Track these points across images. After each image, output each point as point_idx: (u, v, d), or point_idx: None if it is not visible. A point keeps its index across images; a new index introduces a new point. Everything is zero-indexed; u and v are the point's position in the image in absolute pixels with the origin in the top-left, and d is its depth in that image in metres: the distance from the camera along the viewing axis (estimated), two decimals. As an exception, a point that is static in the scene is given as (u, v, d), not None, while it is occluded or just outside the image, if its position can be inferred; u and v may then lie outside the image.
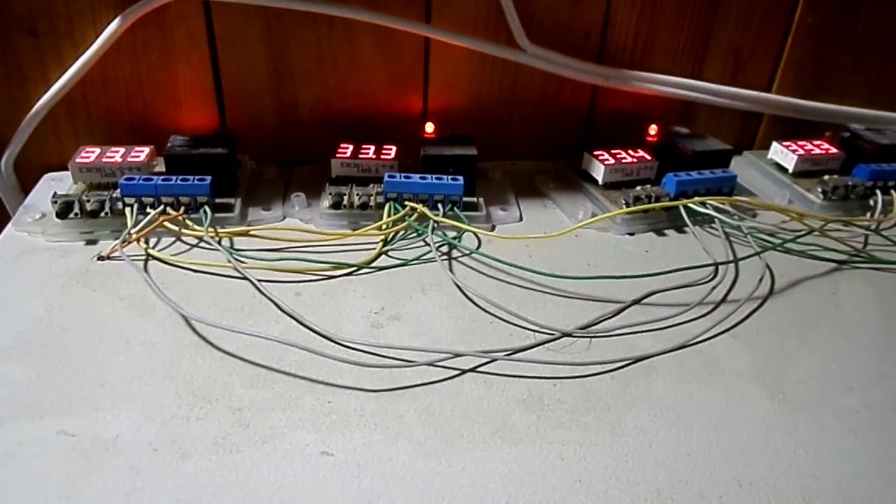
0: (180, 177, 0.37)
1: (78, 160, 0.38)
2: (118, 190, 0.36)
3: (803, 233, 0.39)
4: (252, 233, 0.37)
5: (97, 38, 0.39)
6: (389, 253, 0.37)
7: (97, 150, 0.39)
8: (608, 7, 0.45)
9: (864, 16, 0.49)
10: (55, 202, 0.35)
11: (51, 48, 0.39)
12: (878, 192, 0.44)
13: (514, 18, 0.42)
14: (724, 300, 0.34)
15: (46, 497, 0.22)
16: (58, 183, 0.41)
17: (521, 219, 0.41)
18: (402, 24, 0.41)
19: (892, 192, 0.44)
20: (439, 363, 0.28)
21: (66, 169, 0.41)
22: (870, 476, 0.25)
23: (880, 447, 0.26)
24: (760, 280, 0.35)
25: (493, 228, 0.40)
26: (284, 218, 0.39)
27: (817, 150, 0.46)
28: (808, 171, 0.46)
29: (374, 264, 0.35)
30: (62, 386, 0.26)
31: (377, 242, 0.37)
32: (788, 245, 0.38)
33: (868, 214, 0.43)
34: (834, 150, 0.46)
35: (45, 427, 0.24)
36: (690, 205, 0.39)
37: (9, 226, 0.37)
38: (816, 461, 0.25)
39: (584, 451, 0.25)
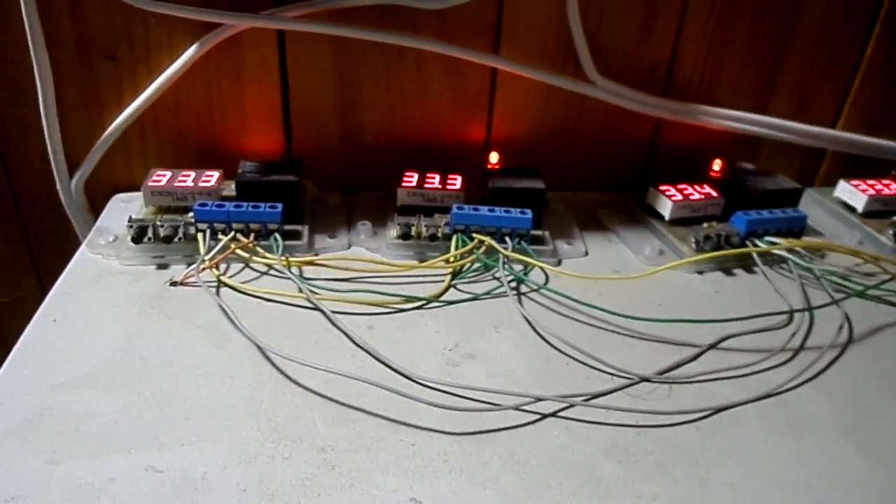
0: (252, 203, 0.37)
1: (150, 183, 0.38)
2: (190, 214, 0.37)
3: (887, 279, 0.38)
4: (319, 262, 0.37)
5: (172, 63, 0.39)
6: (457, 286, 0.36)
7: (168, 174, 0.39)
8: (676, 43, 0.44)
9: (935, 54, 0.48)
10: (130, 226, 0.36)
11: (127, 72, 0.40)
12: (951, 235, 0.43)
13: (585, 51, 0.42)
14: (802, 347, 0.33)
15: (140, 536, 0.22)
16: (127, 204, 0.41)
17: (586, 253, 0.40)
18: (472, 55, 0.41)
19: (965, 235, 0.43)
20: (522, 407, 0.28)
21: (134, 190, 0.42)
22: (975, 546, 0.24)
23: (982, 514, 0.25)
24: (840, 328, 0.34)
25: (559, 263, 0.39)
26: (350, 246, 0.39)
27: (887, 191, 0.45)
28: (877, 212, 0.45)
29: (443, 298, 0.35)
30: (148, 418, 0.26)
31: (445, 275, 0.36)
32: (871, 291, 0.37)
33: (942, 259, 0.42)
34: (904, 191, 0.45)
35: (134, 461, 0.24)
36: (763, 246, 0.39)
37: (83, 247, 0.37)
38: (916, 527, 0.24)
39: (675, 507, 0.24)
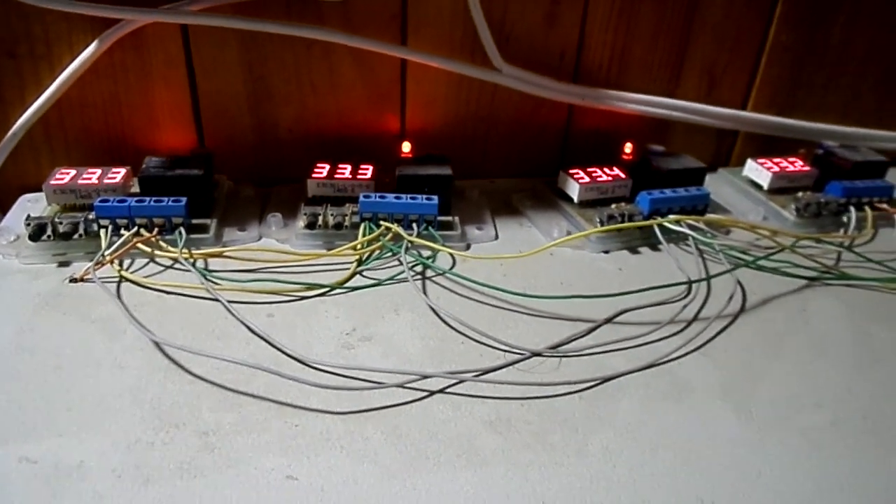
0: (154, 198, 0.37)
1: (52, 182, 0.38)
2: (93, 212, 0.36)
3: (775, 250, 0.39)
4: (227, 254, 0.37)
5: (73, 60, 0.39)
6: (364, 273, 0.37)
7: (73, 172, 0.39)
8: (583, 28, 0.45)
9: (837, 34, 0.49)
10: (28, 224, 0.35)
11: (29, 70, 0.40)
12: (851, 208, 0.44)
13: (489, 39, 0.42)
14: (695, 318, 0.34)
15: (6, 525, 0.22)
16: (34, 204, 0.41)
17: (496, 237, 0.41)
18: (378, 46, 0.42)
19: (866, 208, 0.45)
20: (408, 384, 0.28)
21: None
22: (835, 494, 0.25)
23: (847, 464, 0.26)
24: (731, 298, 0.35)
25: (468, 247, 0.40)
26: (261, 238, 0.40)
27: (791, 168, 0.47)
28: (782, 188, 0.46)
29: (347, 284, 0.36)
30: (27, 411, 0.26)
31: (351, 263, 0.37)
32: (761, 262, 0.39)
33: (841, 231, 0.43)
34: (807, 168, 0.47)
35: (7, 453, 0.24)
36: (664, 223, 0.40)
37: (-17, 248, 0.37)
38: (781, 479, 0.25)
39: (548, 472, 0.25)
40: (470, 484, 0.24)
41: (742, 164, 0.49)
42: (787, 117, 0.51)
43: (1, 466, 0.24)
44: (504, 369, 0.30)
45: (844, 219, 0.44)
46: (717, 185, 0.48)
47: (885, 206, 0.45)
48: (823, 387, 0.30)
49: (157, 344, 0.30)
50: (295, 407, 0.27)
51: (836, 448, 0.27)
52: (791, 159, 0.48)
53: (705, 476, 0.25)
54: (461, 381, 0.29)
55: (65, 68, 0.39)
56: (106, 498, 0.23)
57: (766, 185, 0.46)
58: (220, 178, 0.44)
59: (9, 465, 0.24)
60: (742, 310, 0.35)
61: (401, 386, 0.28)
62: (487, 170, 0.49)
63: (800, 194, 0.45)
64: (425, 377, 0.29)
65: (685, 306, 0.35)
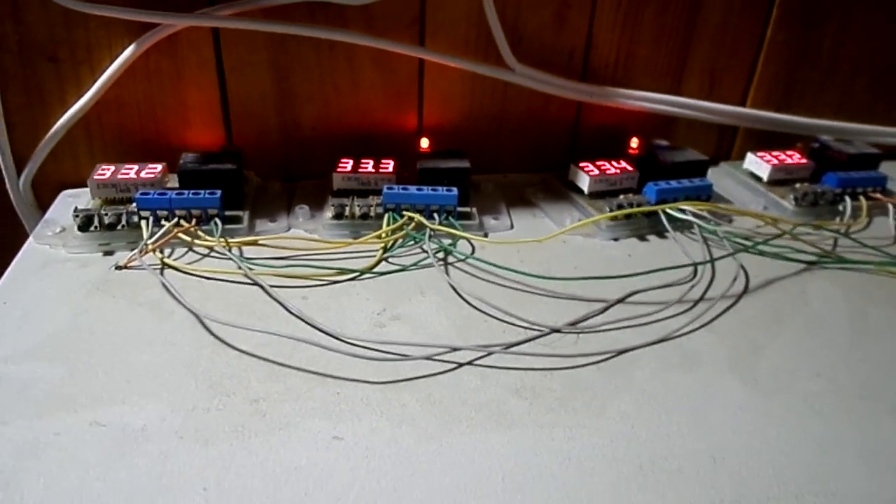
0: (192, 191, 0.39)
1: (96, 177, 0.40)
2: (134, 204, 0.39)
3: (775, 235, 0.42)
4: (260, 242, 0.39)
5: (112, 63, 0.42)
6: (389, 260, 0.39)
7: (112, 168, 0.41)
8: (591, 29, 0.48)
9: (831, 35, 0.52)
10: (76, 216, 0.38)
11: (70, 73, 0.42)
12: (846, 198, 0.47)
13: (503, 40, 0.45)
14: (701, 298, 0.37)
15: (84, 479, 0.24)
16: (74, 199, 0.43)
17: (511, 227, 0.44)
18: (398, 47, 0.44)
19: (861, 198, 0.47)
20: (437, 357, 0.31)
21: (82, 186, 0.44)
22: (832, 451, 0.27)
23: (843, 426, 0.28)
24: (734, 279, 0.38)
25: (485, 236, 0.42)
26: (290, 229, 0.42)
27: (789, 161, 0.49)
28: (781, 180, 0.49)
29: (375, 270, 0.38)
30: (92, 382, 0.28)
31: (377, 250, 0.39)
32: (762, 247, 0.41)
33: (837, 219, 0.46)
34: (804, 160, 0.49)
35: (79, 419, 0.26)
36: (669, 210, 0.42)
37: (30, 239, 0.39)
38: (785, 439, 0.28)
39: (572, 432, 0.27)
40: (501, 443, 0.27)
41: (742, 158, 0.52)
42: (785, 113, 0.54)
43: (75, 430, 0.26)
44: (526, 343, 0.32)
45: (840, 208, 0.46)
46: (719, 177, 0.51)
47: (878, 195, 0.48)
48: (822, 359, 0.33)
49: (202, 322, 0.32)
50: (335, 378, 0.30)
51: (834, 412, 0.29)
52: (789, 153, 0.50)
53: (716, 436, 0.28)
54: (489, 354, 0.31)
55: (104, 71, 0.42)
56: (171, 456, 0.25)
57: (765, 177, 0.49)
58: (249, 174, 0.46)
59: (82, 428, 0.26)
60: (745, 291, 0.38)
61: (430, 358, 0.31)
62: (501, 164, 0.51)
63: (798, 185, 0.48)
64: (454, 349, 0.31)
65: (692, 287, 0.37)
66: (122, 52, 0.41)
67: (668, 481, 0.25)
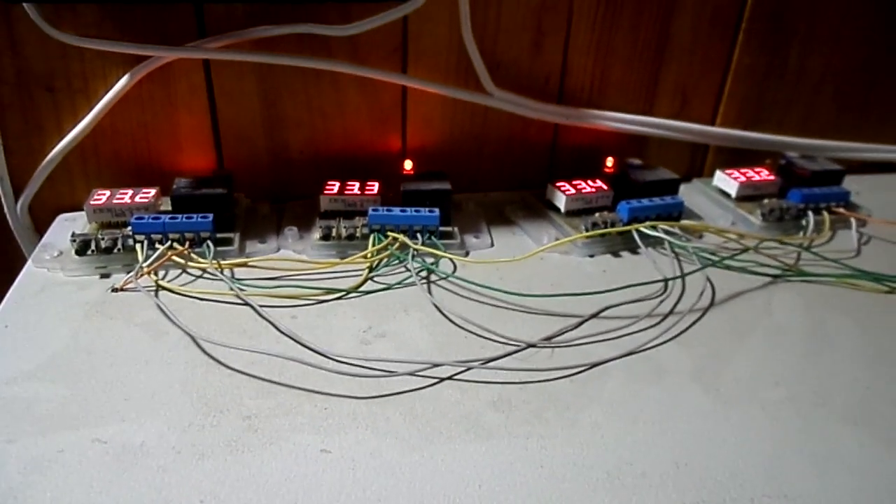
0: (185, 215, 0.41)
1: (92, 202, 0.42)
2: (129, 228, 0.40)
3: (740, 251, 0.44)
4: (251, 264, 0.41)
5: (107, 92, 0.43)
6: (375, 279, 0.41)
7: (108, 193, 0.43)
8: (566, 54, 0.50)
9: (794, 56, 0.54)
10: (73, 240, 0.39)
11: (66, 102, 0.44)
12: (810, 213, 0.49)
13: (481, 66, 0.47)
14: (671, 312, 0.39)
15: (88, 494, 0.26)
16: (71, 223, 0.45)
17: (492, 244, 0.46)
18: (381, 74, 0.46)
19: (824, 212, 0.50)
20: (419, 372, 0.33)
21: (78, 210, 0.45)
22: (786, 456, 0.29)
23: (799, 431, 0.31)
24: (701, 293, 0.40)
25: (467, 254, 0.44)
26: (279, 250, 0.44)
27: (757, 177, 0.52)
28: (749, 196, 0.51)
29: (361, 289, 0.40)
30: (92, 401, 0.30)
31: (363, 269, 0.41)
32: (728, 262, 0.43)
33: (801, 233, 0.48)
34: (772, 177, 0.52)
35: (81, 436, 0.28)
36: (641, 228, 0.44)
37: (28, 263, 0.41)
38: (743, 444, 0.30)
39: (545, 442, 0.29)
40: (478, 453, 0.28)
41: (714, 174, 0.54)
42: (754, 131, 0.56)
43: (78, 447, 0.28)
44: (504, 358, 0.34)
45: (804, 222, 0.49)
46: (691, 194, 0.53)
47: (841, 210, 0.50)
48: (781, 368, 0.35)
49: (196, 342, 0.34)
50: (323, 394, 0.31)
51: (790, 418, 0.31)
52: (757, 169, 0.53)
53: (680, 443, 0.30)
54: (469, 369, 0.33)
55: (100, 100, 0.43)
56: (169, 470, 0.27)
57: (734, 194, 0.51)
58: (239, 197, 0.48)
59: (84, 445, 0.28)
60: (712, 304, 0.40)
61: (413, 374, 0.32)
62: (482, 184, 0.53)
63: (765, 201, 0.50)
64: (435, 366, 0.33)
65: (661, 301, 0.39)
66: (116, 82, 0.43)
67: (633, 486, 0.27)
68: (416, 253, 0.42)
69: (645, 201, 0.46)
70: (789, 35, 0.54)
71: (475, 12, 0.46)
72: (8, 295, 0.38)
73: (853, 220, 0.49)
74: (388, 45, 0.47)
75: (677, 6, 0.50)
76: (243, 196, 0.48)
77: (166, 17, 0.43)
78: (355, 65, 0.46)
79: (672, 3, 0.50)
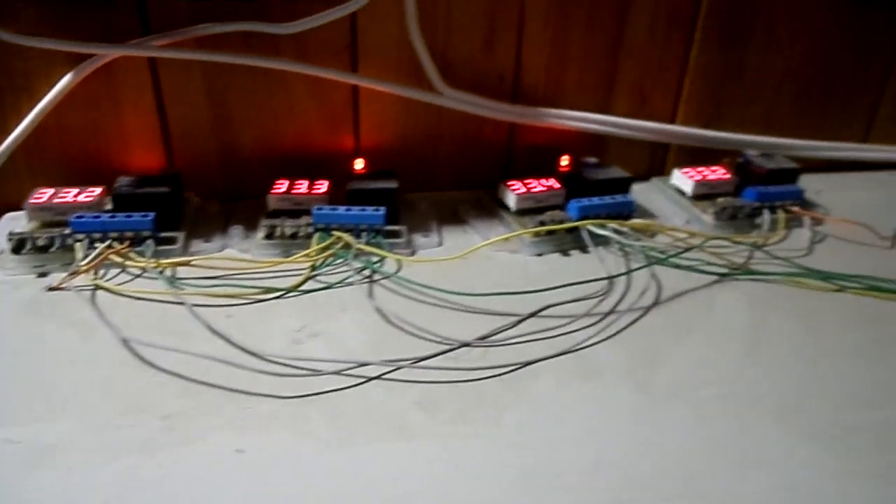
0: (126, 214, 0.41)
1: (32, 200, 0.42)
2: (69, 227, 0.40)
3: (684, 249, 0.44)
4: (193, 263, 0.41)
5: (50, 90, 0.43)
6: (318, 278, 0.41)
7: (50, 191, 0.43)
8: (519, 53, 0.50)
9: (753, 54, 0.54)
10: (10, 239, 0.39)
11: (9, 100, 0.43)
12: (765, 211, 0.49)
13: (430, 65, 0.47)
14: (612, 311, 0.39)
15: (-9, 494, 0.25)
16: (16, 222, 0.44)
17: (440, 244, 0.45)
18: (330, 73, 0.46)
19: (779, 211, 0.49)
20: (346, 372, 0.32)
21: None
22: (711, 456, 0.29)
23: (727, 428, 0.30)
24: (644, 292, 0.40)
25: (413, 254, 0.44)
26: (224, 248, 0.43)
27: (712, 176, 0.51)
28: (704, 195, 0.51)
29: (301, 288, 0.39)
30: (10, 401, 0.30)
31: (306, 269, 0.41)
32: (675, 260, 0.43)
33: (755, 232, 0.48)
34: (728, 175, 0.52)
35: (-7, 436, 0.28)
36: (589, 227, 0.44)
37: (-32, 263, 0.40)
38: (668, 443, 0.29)
39: (466, 442, 0.29)
40: (397, 453, 0.28)
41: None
42: (714, 129, 0.56)
43: (-14, 447, 0.27)
44: (435, 358, 0.34)
45: (758, 221, 0.49)
46: (649, 192, 0.53)
47: (796, 208, 0.50)
48: (715, 367, 0.34)
49: (125, 342, 0.34)
50: (247, 393, 0.31)
51: (719, 416, 0.31)
52: (713, 168, 0.52)
53: (604, 442, 0.29)
54: (398, 368, 0.33)
55: (43, 98, 0.43)
56: (77, 471, 0.26)
57: (689, 192, 0.51)
58: (189, 195, 0.47)
59: (-7, 445, 0.27)
60: (655, 303, 0.39)
61: (339, 373, 0.32)
62: (437, 183, 0.53)
63: (719, 200, 0.50)
64: (362, 365, 0.33)
65: (602, 300, 0.39)
66: (59, 80, 0.43)
67: (547, 486, 0.27)
68: (358, 252, 0.41)
69: (595, 200, 0.46)
70: (747, 33, 0.53)
71: (425, 10, 0.46)
72: (-58, 294, 0.38)
73: (807, 219, 0.49)
74: (336, 43, 0.46)
75: (633, 3, 0.50)
76: (193, 195, 0.48)
77: (109, 16, 0.42)
78: (302, 63, 0.45)
79: (627, 1, 0.50)
